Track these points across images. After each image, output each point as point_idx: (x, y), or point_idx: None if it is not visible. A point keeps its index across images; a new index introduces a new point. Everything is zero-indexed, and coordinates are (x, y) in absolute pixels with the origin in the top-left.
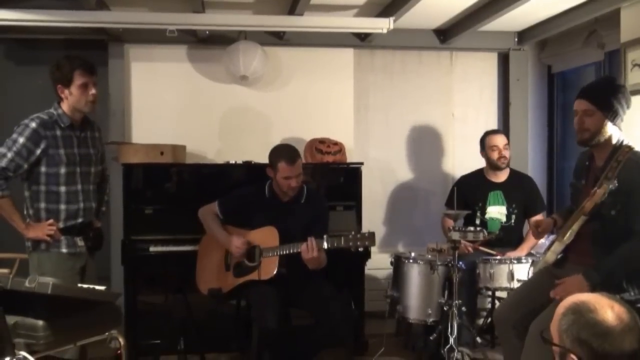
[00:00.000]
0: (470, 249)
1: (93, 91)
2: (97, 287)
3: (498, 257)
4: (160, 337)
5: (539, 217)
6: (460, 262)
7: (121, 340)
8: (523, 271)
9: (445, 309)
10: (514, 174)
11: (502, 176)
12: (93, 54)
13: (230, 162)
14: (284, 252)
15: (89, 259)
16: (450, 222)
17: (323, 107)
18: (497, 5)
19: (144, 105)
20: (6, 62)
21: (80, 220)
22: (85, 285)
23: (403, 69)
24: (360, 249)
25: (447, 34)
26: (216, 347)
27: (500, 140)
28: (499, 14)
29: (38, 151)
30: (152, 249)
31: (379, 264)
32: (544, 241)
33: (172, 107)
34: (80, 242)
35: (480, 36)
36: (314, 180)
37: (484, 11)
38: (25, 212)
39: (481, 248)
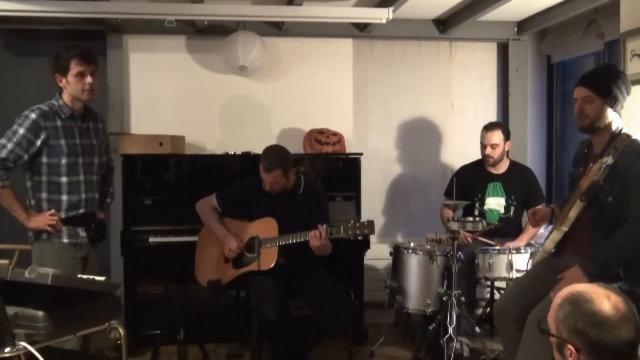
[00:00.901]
0: (469, 239)
1: (89, 80)
2: (97, 278)
3: (497, 248)
4: (160, 328)
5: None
6: (460, 253)
7: (121, 330)
8: (522, 261)
9: (444, 299)
10: (513, 165)
11: (501, 168)
12: (92, 45)
13: (230, 152)
14: (283, 243)
15: (91, 250)
16: (449, 213)
17: (322, 98)
18: None
19: (143, 95)
20: (5, 53)
21: (82, 211)
22: (85, 276)
23: (402, 59)
24: (360, 238)
25: (446, 24)
26: (216, 337)
27: (489, 138)
28: (498, 4)
29: (38, 142)
30: (151, 239)
31: (378, 254)
32: (543, 232)
33: (171, 98)
34: (82, 232)
35: (479, 26)
36: (313, 171)
37: (484, 1)
38: (27, 203)
39: (480, 238)
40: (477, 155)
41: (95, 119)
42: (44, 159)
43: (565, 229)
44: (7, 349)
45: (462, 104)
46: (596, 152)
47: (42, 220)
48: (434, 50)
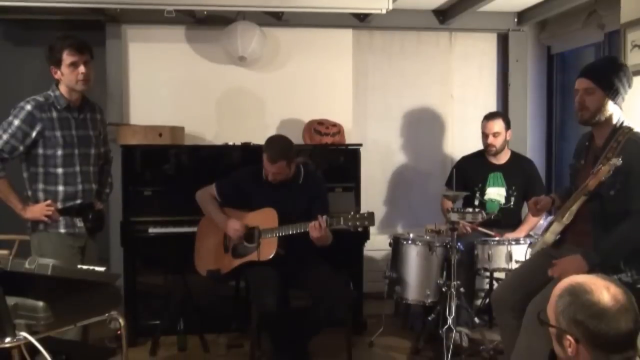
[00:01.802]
0: (468, 228)
1: (82, 70)
2: (97, 269)
3: (496, 238)
4: (160, 318)
5: None
6: (459, 243)
7: (121, 321)
8: (521, 252)
9: (443, 289)
10: (514, 156)
11: (502, 158)
12: (90, 35)
13: (229, 143)
14: (283, 233)
15: (89, 240)
16: (449, 204)
17: (322, 88)
18: None
19: (142, 86)
20: (4, 43)
21: (79, 201)
22: (85, 267)
23: (402, 49)
24: (360, 229)
25: (446, 15)
26: (215, 327)
27: (490, 127)
28: None
29: (34, 133)
30: (151, 230)
31: (377, 245)
32: (542, 222)
33: (170, 88)
34: (79, 222)
35: (479, 17)
36: (313, 162)
37: None
38: (24, 194)
39: (480, 229)
40: (477, 146)
41: (93, 109)
42: (40, 151)
43: (566, 222)
44: (8, 339)
45: (461, 95)
46: (598, 144)
47: (39, 210)
48: (434, 41)
